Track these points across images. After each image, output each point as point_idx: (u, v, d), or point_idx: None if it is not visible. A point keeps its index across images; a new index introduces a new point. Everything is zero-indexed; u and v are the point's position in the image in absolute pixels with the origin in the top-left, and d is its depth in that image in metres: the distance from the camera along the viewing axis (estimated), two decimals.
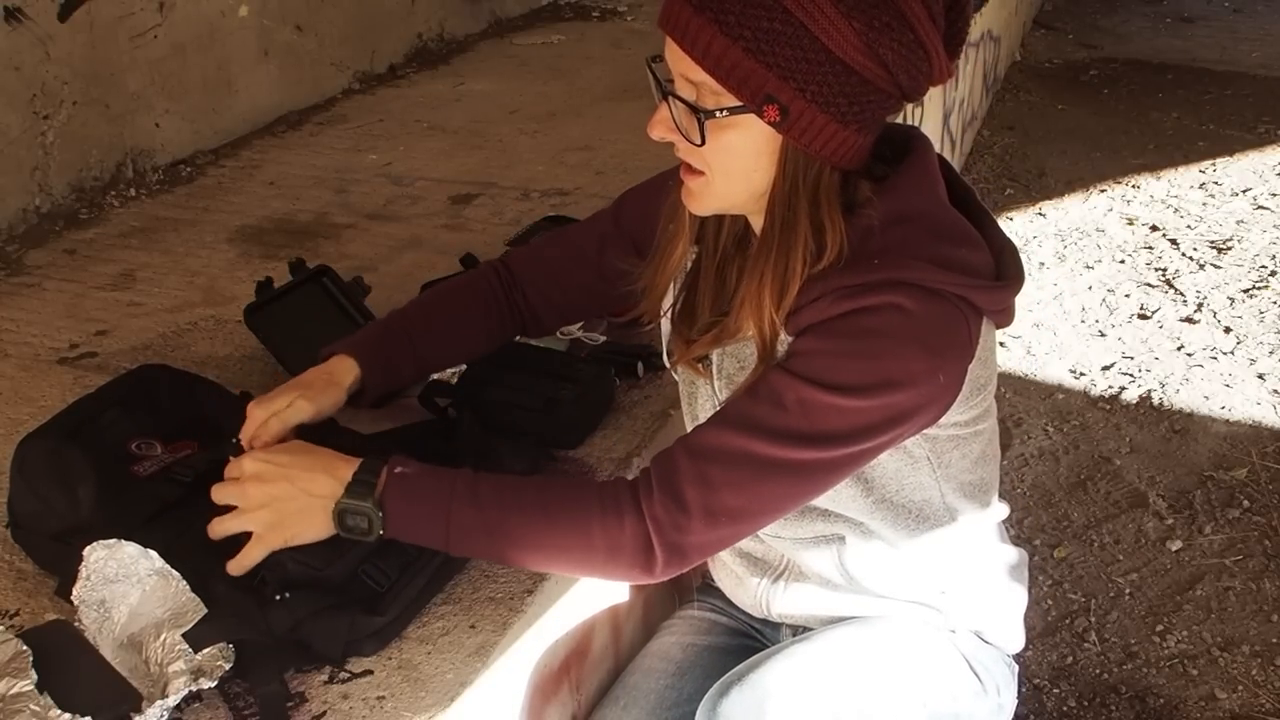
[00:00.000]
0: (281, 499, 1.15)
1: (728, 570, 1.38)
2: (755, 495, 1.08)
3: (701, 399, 1.27)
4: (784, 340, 1.11)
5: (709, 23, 1.00)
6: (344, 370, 1.38)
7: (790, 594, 1.32)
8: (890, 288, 1.04)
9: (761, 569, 1.33)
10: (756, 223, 1.16)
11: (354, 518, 1.13)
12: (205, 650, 1.14)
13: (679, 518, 1.07)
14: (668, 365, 1.32)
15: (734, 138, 1.05)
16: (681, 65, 1.04)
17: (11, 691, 1.07)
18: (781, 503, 1.10)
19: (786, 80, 1.00)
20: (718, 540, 1.11)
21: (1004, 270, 1.13)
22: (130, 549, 1.18)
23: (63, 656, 1.12)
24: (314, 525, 1.15)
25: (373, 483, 1.13)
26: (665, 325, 1.30)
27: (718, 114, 1.03)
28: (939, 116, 3.71)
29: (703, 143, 1.05)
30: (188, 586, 1.19)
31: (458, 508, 1.11)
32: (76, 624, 1.17)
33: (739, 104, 1.02)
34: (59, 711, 1.05)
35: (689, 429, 1.32)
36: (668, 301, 1.28)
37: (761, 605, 1.35)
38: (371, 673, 1.20)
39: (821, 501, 1.20)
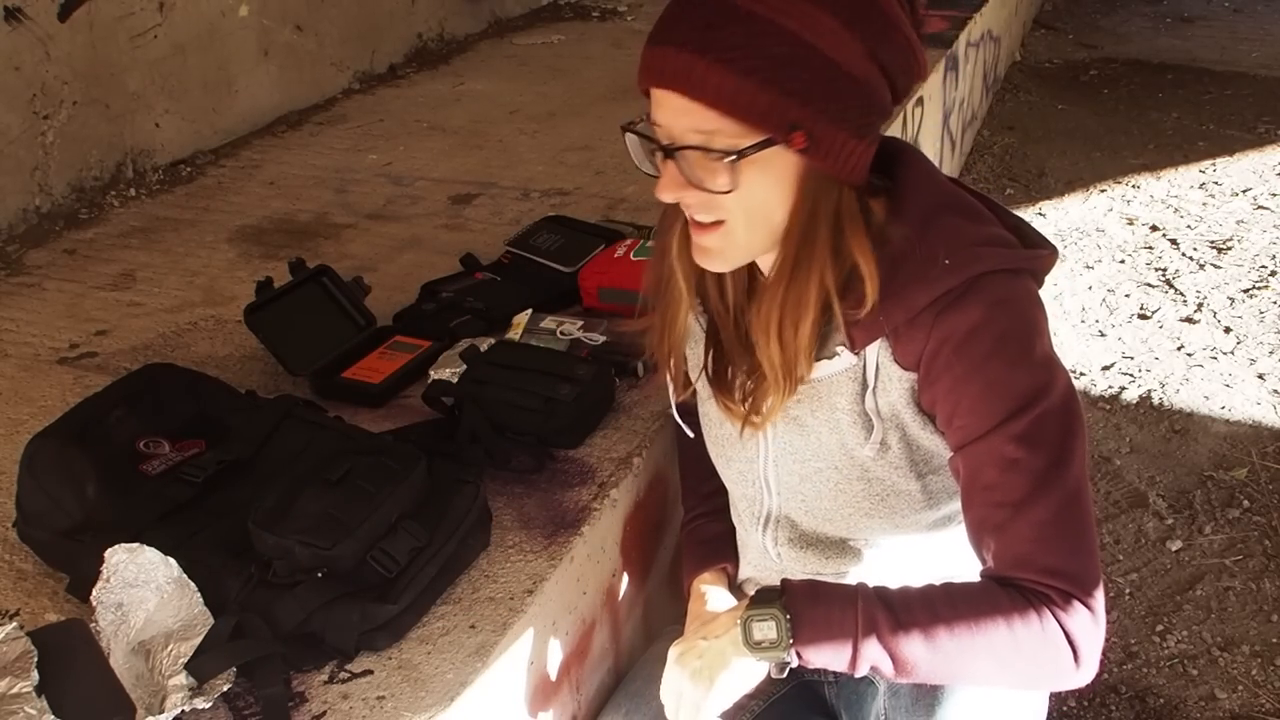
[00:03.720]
0: (701, 668, 1.13)
1: (741, 594, 1.38)
2: (1089, 525, 1.07)
3: (743, 448, 1.25)
4: (904, 377, 1.10)
5: (716, 64, 0.96)
6: (717, 586, 1.37)
7: None
8: (977, 287, 1.05)
9: None
10: (766, 262, 1.13)
11: (760, 625, 1.09)
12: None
13: (1084, 605, 1.05)
14: (679, 419, 1.32)
15: (755, 175, 1.01)
16: (688, 118, 0.99)
17: (11, 691, 1.07)
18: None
19: (807, 104, 0.98)
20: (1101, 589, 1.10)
21: (1036, 241, 1.14)
22: (151, 554, 1.19)
23: (68, 659, 1.12)
24: (725, 654, 1.12)
25: (774, 593, 1.10)
26: (670, 389, 1.30)
27: (749, 153, 0.99)
28: (939, 117, 3.71)
29: (734, 187, 1.01)
30: (201, 599, 1.19)
31: (866, 605, 1.07)
32: (92, 625, 1.17)
33: (764, 138, 0.99)
34: (52, 717, 1.05)
35: (726, 475, 1.32)
36: (692, 360, 1.26)
37: None
38: (371, 672, 1.20)
39: (879, 536, 1.22)
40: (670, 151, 1.02)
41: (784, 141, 0.99)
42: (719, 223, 1.05)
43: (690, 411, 1.34)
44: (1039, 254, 1.11)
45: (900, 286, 1.06)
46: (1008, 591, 1.06)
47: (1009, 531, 1.06)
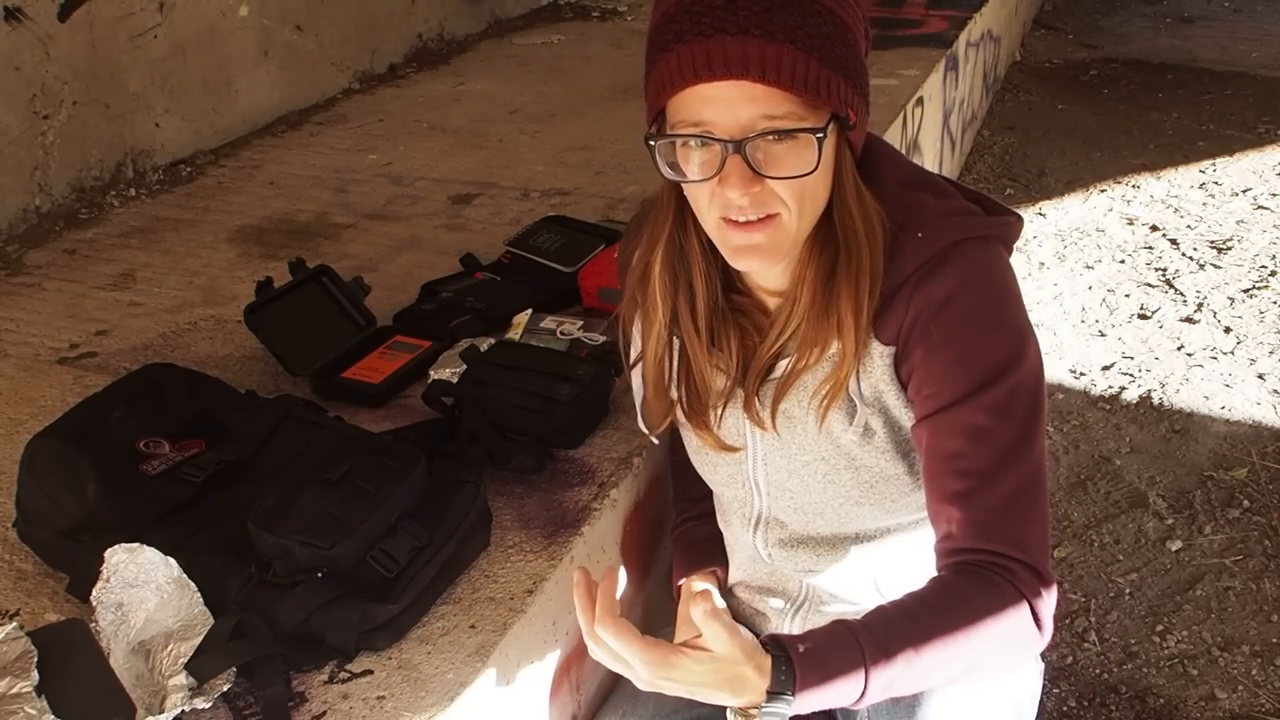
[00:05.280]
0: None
1: (745, 606, 1.39)
2: (1047, 497, 1.10)
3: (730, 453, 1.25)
4: (885, 352, 1.11)
5: (786, 45, 0.96)
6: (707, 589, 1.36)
7: (812, 620, 1.32)
8: (952, 256, 1.06)
9: (781, 598, 1.34)
10: (791, 261, 1.11)
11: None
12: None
13: (1043, 577, 1.08)
14: (652, 437, 1.31)
15: (814, 157, 1.01)
16: (756, 106, 0.97)
17: (11, 691, 1.07)
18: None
19: (848, 78, 1.01)
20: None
21: (1001, 210, 1.15)
22: (151, 554, 1.19)
23: (68, 659, 1.12)
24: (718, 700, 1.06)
25: (784, 684, 1.03)
26: (640, 412, 1.28)
27: (828, 128, 0.99)
28: (939, 117, 3.71)
29: (818, 166, 1.00)
30: (201, 599, 1.19)
31: (870, 674, 1.03)
32: (92, 625, 1.17)
33: (830, 115, 1.00)
34: (52, 717, 1.06)
35: (714, 481, 1.31)
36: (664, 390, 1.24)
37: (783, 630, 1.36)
38: (371, 672, 1.20)
39: (871, 524, 1.22)
40: (739, 145, 0.99)
41: (843, 119, 1.01)
42: (769, 217, 1.03)
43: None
44: (1006, 220, 1.13)
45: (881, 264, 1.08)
46: (976, 582, 1.07)
47: (976, 502, 1.07)
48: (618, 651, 1.02)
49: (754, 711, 1.05)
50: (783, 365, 1.16)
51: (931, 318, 1.06)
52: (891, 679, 1.04)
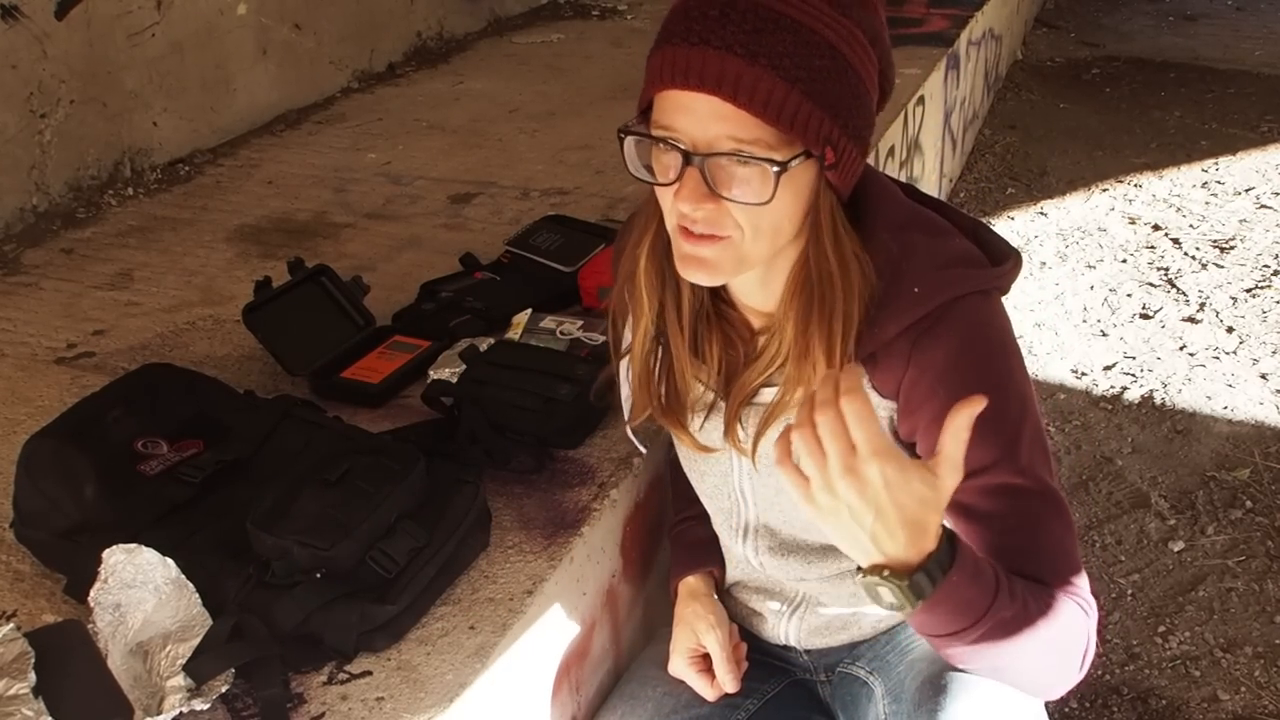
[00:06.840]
0: (849, 515, 0.91)
1: (742, 607, 1.38)
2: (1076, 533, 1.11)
3: (716, 462, 1.25)
4: (884, 405, 1.10)
5: (767, 70, 0.93)
6: (704, 588, 1.36)
7: (809, 621, 1.32)
8: (950, 314, 1.04)
9: (778, 599, 1.33)
10: (754, 277, 1.10)
11: (887, 588, 0.94)
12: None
13: (1095, 608, 1.08)
14: (640, 446, 1.32)
15: (784, 188, 0.98)
16: (724, 125, 0.95)
17: (9, 693, 1.07)
18: None
19: (838, 119, 0.97)
20: None
21: (999, 250, 1.13)
22: (149, 555, 1.18)
23: (65, 660, 1.12)
24: (846, 547, 0.96)
25: (935, 581, 0.94)
26: (626, 409, 1.27)
27: (791, 165, 0.96)
28: (940, 116, 3.70)
29: (772, 199, 0.97)
30: (199, 600, 1.19)
31: (995, 610, 0.98)
32: (90, 626, 1.16)
33: (802, 150, 0.97)
34: (49, 718, 1.05)
35: (700, 489, 1.32)
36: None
37: (780, 635, 1.36)
38: (371, 673, 1.19)
39: None
40: (700, 159, 0.97)
41: (820, 156, 0.98)
42: (722, 236, 1.02)
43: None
44: (1004, 269, 1.10)
45: (871, 315, 1.06)
46: (1058, 596, 1.06)
47: (1035, 552, 1.06)
48: (852, 430, 0.87)
49: (896, 579, 0.92)
50: (770, 393, 1.14)
51: (936, 379, 1.05)
52: (1001, 624, 0.97)
